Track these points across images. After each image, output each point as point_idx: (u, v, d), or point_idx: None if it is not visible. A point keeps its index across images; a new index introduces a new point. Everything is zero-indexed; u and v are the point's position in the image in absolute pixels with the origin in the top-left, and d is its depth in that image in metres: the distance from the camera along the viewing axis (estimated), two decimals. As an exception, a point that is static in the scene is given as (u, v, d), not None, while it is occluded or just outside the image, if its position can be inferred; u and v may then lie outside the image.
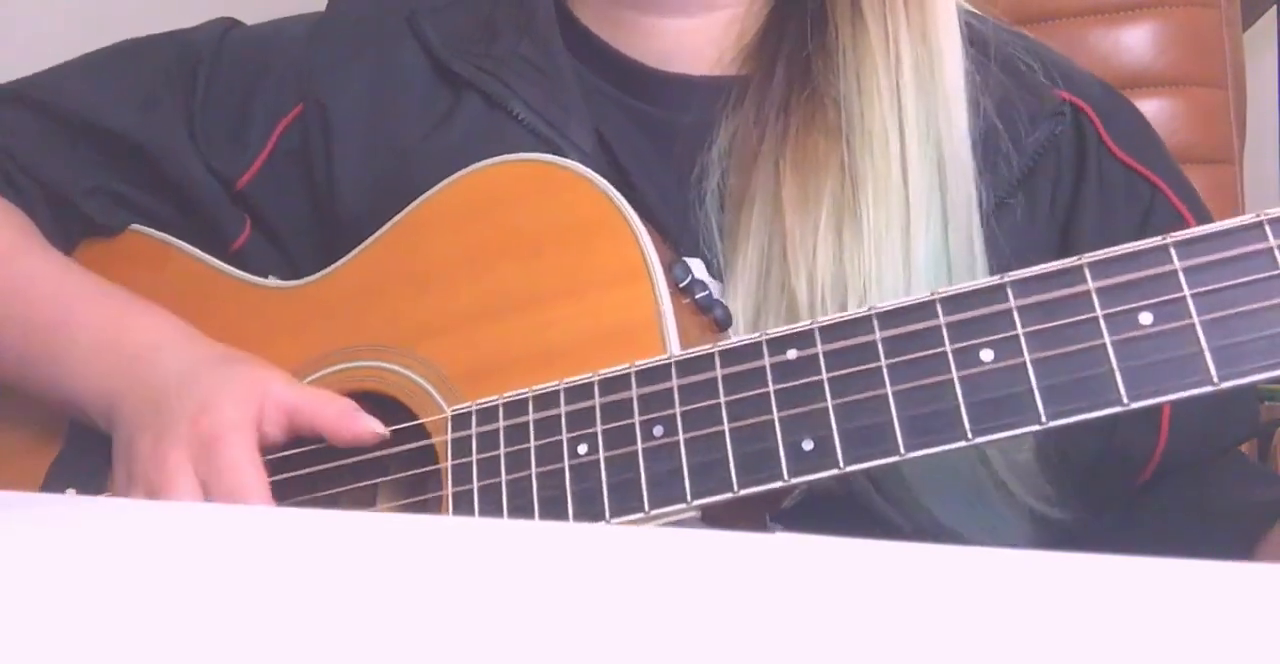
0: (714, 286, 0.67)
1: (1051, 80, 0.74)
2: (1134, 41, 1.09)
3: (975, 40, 0.72)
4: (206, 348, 0.69)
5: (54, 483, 0.74)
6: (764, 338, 0.57)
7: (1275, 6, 1.51)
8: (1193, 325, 0.49)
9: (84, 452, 0.73)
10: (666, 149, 0.74)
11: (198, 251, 0.78)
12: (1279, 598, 0.28)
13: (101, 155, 0.80)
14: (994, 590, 0.30)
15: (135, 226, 0.81)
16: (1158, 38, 1.09)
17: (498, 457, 0.60)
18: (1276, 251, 0.48)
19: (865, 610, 0.28)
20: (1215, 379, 0.48)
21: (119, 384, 0.67)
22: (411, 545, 0.38)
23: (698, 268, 0.68)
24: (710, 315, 0.64)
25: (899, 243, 0.65)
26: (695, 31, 0.77)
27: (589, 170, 0.65)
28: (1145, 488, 0.71)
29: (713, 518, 0.57)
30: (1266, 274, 0.48)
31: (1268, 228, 0.48)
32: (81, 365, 0.69)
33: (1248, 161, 1.12)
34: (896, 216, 0.65)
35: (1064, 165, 0.73)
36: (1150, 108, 1.07)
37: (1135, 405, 0.49)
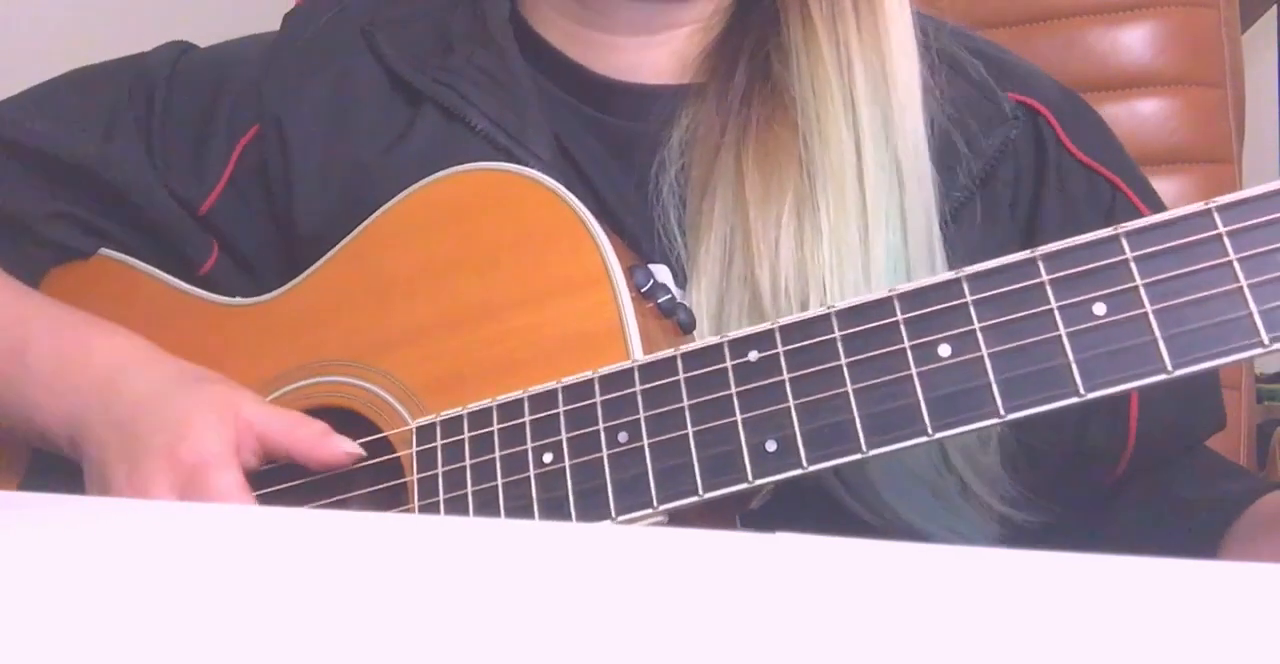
0: (676, 291, 0.67)
1: (1001, 83, 0.74)
2: (1133, 41, 1.08)
3: (925, 42, 0.71)
4: (172, 367, 0.68)
5: None
6: (725, 340, 0.56)
7: (1275, 6, 1.50)
8: (1145, 314, 0.49)
9: (47, 479, 0.72)
10: (628, 156, 0.73)
11: (164, 275, 0.78)
12: (1260, 596, 0.29)
13: (63, 185, 0.79)
14: (985, 589, 0.30)
15: (104, 251, 0.80)
16: (1157, 38, 1.08)
17: (463, 468, 0.60)
18: (1226, 239, 0.48)
19: (856, 610, 0.29)
20: (1169, 367, 0.48)
21: (83, 409, 0.66)
22: (400, 544, 0.38)
23: (660, 273, 0.68)
24: (673, 319, 0.63)
25: (857, 244, 0.65)
26: (658, 46, 0.76)
27: (547, 178, 0.65)
28: (1112, 488, 0.71)
29: (682, 522, 0.57)
30: (1216, 261, 0.48)
31: (1216, 216, 0.48)
32: (44, 391, 0.68)
33: (1247, 161, 1.11)
34: (854, 218, 0.65)
35: (1022, 168, 0.73)
36: (1149, 108, 1.06)
37: (1091, 396, 0.49)
